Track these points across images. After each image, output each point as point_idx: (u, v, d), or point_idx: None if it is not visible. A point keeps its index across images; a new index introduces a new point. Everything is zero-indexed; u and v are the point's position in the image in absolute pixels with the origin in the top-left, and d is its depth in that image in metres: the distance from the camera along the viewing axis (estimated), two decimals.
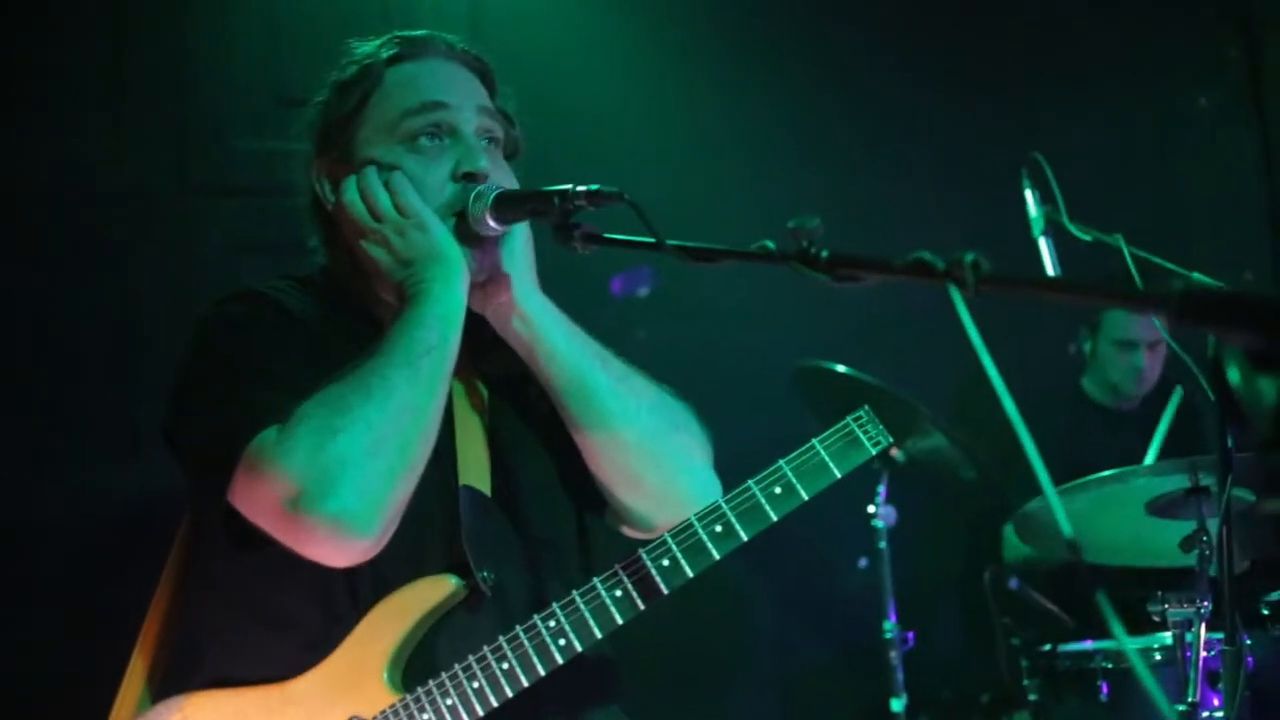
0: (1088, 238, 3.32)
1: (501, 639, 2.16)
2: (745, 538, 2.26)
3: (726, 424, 4.94)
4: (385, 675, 2.13)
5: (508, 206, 2.21)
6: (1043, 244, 3.41)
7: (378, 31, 2.47)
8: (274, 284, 2.36)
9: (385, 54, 2.35)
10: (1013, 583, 4.25)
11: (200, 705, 2.16)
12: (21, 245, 3.83)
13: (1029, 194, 3.45)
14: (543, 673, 2.15)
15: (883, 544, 4.41)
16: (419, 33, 2.40)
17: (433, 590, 2.18)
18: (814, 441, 2.31)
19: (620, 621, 2.20)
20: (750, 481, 2.29)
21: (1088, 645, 3.93)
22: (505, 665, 2.14)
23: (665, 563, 2.21)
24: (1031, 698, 4.07)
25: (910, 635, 4.31)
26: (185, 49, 4.17)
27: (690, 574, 2.23)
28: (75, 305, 3.88)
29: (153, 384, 3.82)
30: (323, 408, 2.05)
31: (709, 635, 4.70)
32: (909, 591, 4.41)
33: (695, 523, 2.24)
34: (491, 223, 2.22)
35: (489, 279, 2.28)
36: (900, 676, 4.33)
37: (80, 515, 3.73)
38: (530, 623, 2.17)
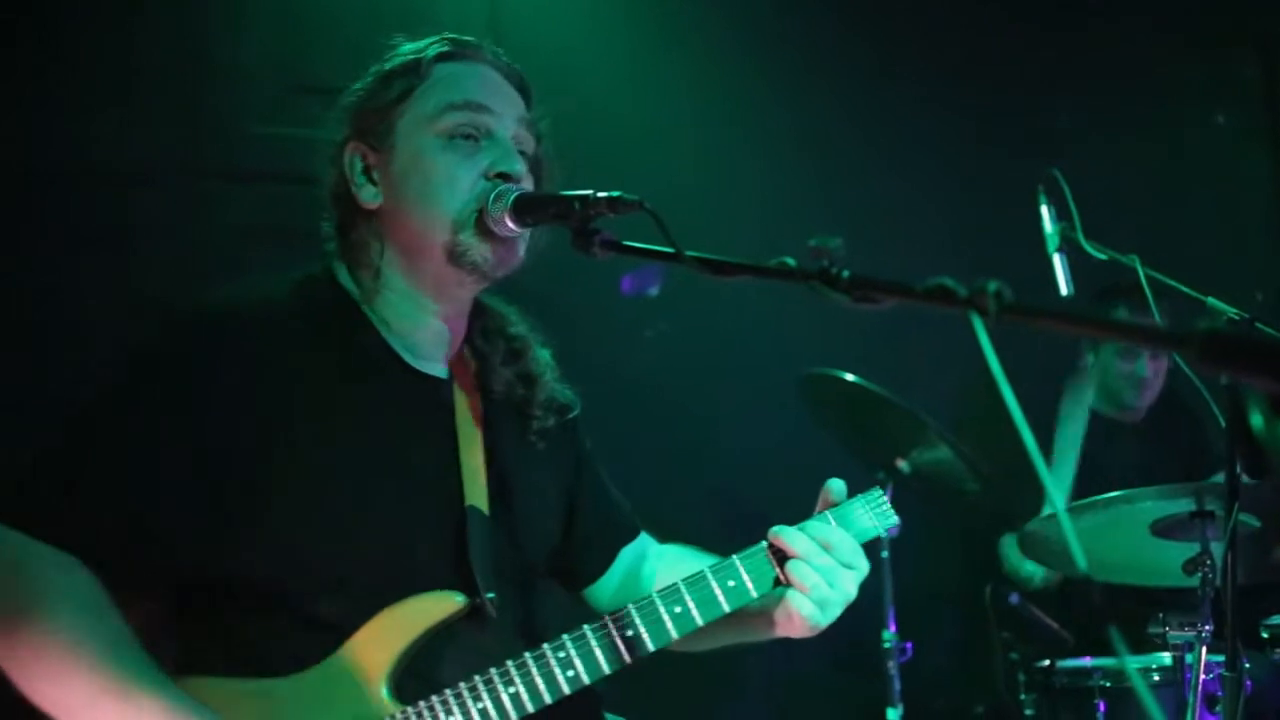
0: (1103, 256, 3.30)
1: (510, 664, 2.15)
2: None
3: (732, 424, 4.99)
4: (385, 684, 2.12)
5: (527, 209, 2.20)
6: (1057, 260, 3.40)
7: (396, 23, 2.47)
8: (267, 291, 2.29)
9: (434, 51, 2.35)
10: (1013, 598, 4.24)
11: (190, 691, 2.09)
12: (29, 224, 3.81)
13: (1045, 210, 3.44)
14: (549, 701, 2.15)
15: (884, 554, 4.39)
16: (469, 38, 2.41)
17: (439, 605, 2.18)
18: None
19: (629, 661, 2.18)
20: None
21: (1086, 663, 3.93)
22: (512, 690, 2.13)
23: (677, 610, 2.21)
24: (1027, 713, 4.07)
25: (909, 645, 4.30)
26: (201, 32, 4.15)
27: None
28: (81, 285, 3.87)
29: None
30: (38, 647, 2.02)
31: None
32: (909, 602, 4.40)
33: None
34: (510, 224, 2.21)
35: None
36: (897, 686, 4.32)
37: None
38: (539, 651, 2.16)
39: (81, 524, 2.08)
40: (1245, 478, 2.69)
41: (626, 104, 4.75)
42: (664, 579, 2.45)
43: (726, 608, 2.21)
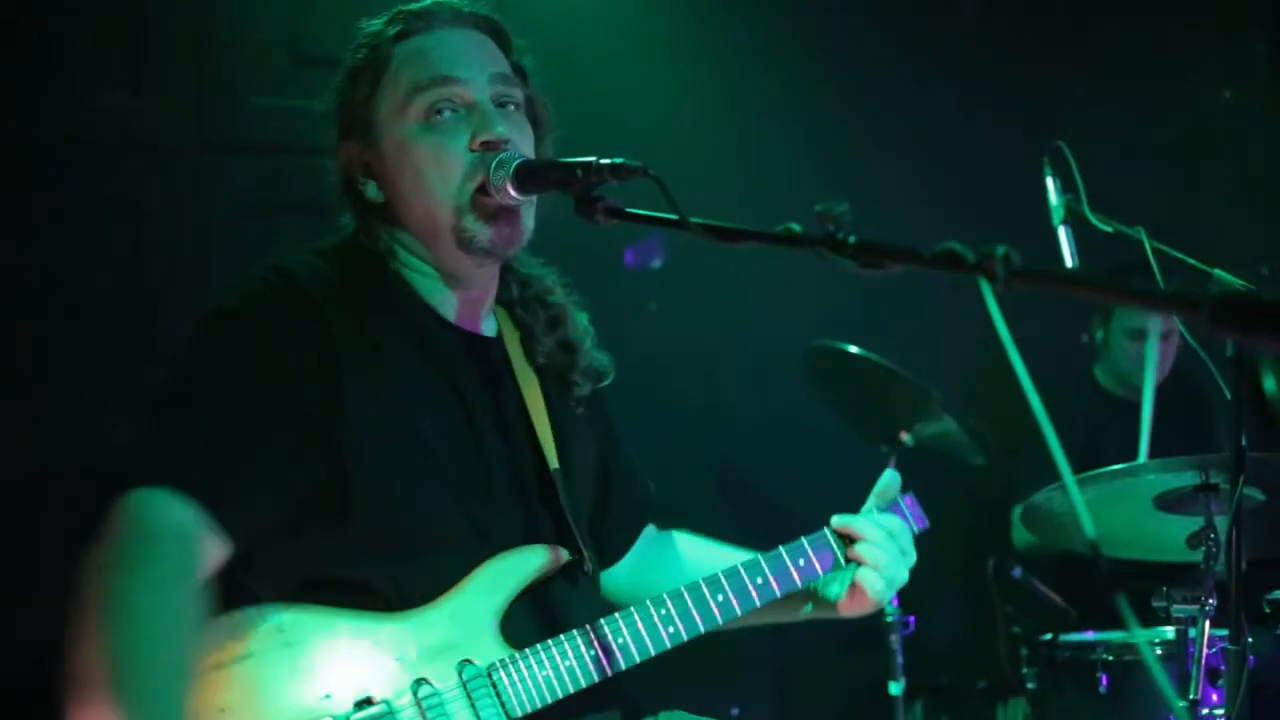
0: (1108, 229, 3.29)
1: (618, 616, 2.23)
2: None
3: (735, 397, 4.98)
4: (498, 627, 2.16)
5: (530, 176, 2.19)
6: (1062, 233, 3.39)
7: None
8: (311, 257, 2.30)
9: (391, 31, 2.32)
10: (1016, 571, 4.24)
11: (303, 623, 2.09)
12: (32, 196, 3.81)
13: (1050, 182, 3.43)
14: (653, 653, 2.25)
15: None
16: (424, 3, 2.37)
17: (547, 556, 2.24)
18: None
19: (720, 622, 2.33)
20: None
21: (1089, 636, 3.93)
22: (620, 640, 2.22)
23: (759, 581, 2.38)
24: (1030, 686, 4.07)
25: (911, 619, 4.30)
26: (205, 3, 4.14)
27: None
28: (84, 257, 3.86)
29: (160, 337, 3.84)
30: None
31: None
32: (911, 576, 4.40)
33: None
34: (513, 192, 2.20)
35: None
36: (900, 660, 4.33)
37: (84, 472, 3.72)
38: (644, 605, 2.26)
39: (206, 476, 2.05)
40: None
41: (631, 75, 4.73)
42: (685, 569, 2.61)
43: (799, 584, 2.42)
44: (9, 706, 3.49)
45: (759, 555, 2.41)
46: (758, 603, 2.36)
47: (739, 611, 2.33)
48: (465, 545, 2.20)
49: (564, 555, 2.26)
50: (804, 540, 2.44)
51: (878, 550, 2.42)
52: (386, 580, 2.14)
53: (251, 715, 2.01)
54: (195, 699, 1.96)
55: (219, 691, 2.01)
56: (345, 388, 2.16)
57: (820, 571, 2.43)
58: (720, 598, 2.31)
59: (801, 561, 2.41)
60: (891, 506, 2.55)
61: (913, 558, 2.51)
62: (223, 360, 2.16)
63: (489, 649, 2.14)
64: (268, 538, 2.15)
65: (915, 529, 2.58)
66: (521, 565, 2.21)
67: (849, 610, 2.48)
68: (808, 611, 2.53)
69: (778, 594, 2.38)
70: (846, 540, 2.45)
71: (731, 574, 2.35)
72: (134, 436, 2.12)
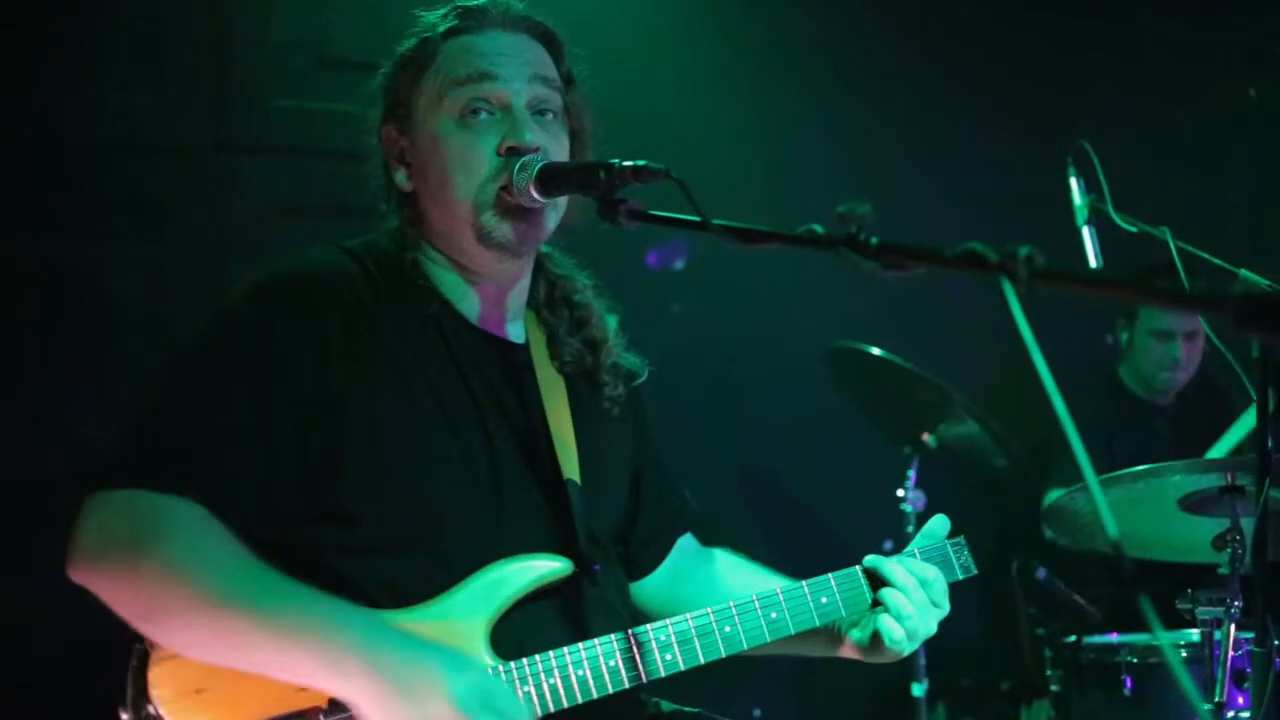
0: (1133, 229, 3.28)
1: (613, 638, 2.18)
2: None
3: (757, 399, 4.98)
4: (488, 636, 2.14)
5: (552, 179, 2.19)
6: (1086, 233, 3.38)
7: None
8: (334, 256, 2.31)
9: (443, 27, 2.33)
10: (1040, 573, 4.22)
11: None
12: (54, 197, 3.82)
13: (1074, 182, 3.42)
14: (644, 681, 2.18)
15: (910, 528, 4.39)
16: (479, 1, 2.36)
17: (548, 568, 2.21)
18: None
19: (723, 655, 2.24)
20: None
21: (1113, 639, 3.91)
22: (611, 663, 2.16)
23: (773, 615, 2.29)
24: (1053, 688, 4.05)
25: None
26: (227, 5, 4.15)
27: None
28: (105, 259, 3.88)
29: (180, 338, 3.85)
30: (196, 588, 2.00)
31: None
32: None
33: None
34: (535, 194, 2.20)
35: None
36: (922, 662, 4.32)
37: None
38: (643, 629, 2.20)
39: (192, 474, 2.08)
40: None
41: (654, 77, 4.73)
42: (721, 591, 2.56)
43: (817, 621, 2.34)
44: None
45: (778, 589, 2.32)
46: (768, 638, 2.28)
47: (745, 646, 2.26)
48: (466, 550, 2.17)
49: (566, 566, 2.21)
50: (830, 576, 2.35)
51: (904, 598, 2.32)
52: (382, 580, 2.14)
53: (227, 699, 2.02)
54: (175, 679, 2.01)
55: (199, 672, 2.03)
56: (348, 388, 2.16)
57: (844, 611, 2.35)
58: (728, 629, 2.24)
59: (824, 599, 2.33)
60: (936, 551, 2.45)
61: (945, 609, 2.39)
62: (215, 363, 2.18)
63: (473, 658, 2.10)
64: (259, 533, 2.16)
65: (958, 576, 2.47)
66: (520, 574, 2.18)
67: (871, 657, 2.40)
68: (830, 651, 2.46)
69: (792, 631, 2.30)
70: (876, 582, 2.35)
71: (744, 606, 2.27)
72: (119, 433, 2.16)
